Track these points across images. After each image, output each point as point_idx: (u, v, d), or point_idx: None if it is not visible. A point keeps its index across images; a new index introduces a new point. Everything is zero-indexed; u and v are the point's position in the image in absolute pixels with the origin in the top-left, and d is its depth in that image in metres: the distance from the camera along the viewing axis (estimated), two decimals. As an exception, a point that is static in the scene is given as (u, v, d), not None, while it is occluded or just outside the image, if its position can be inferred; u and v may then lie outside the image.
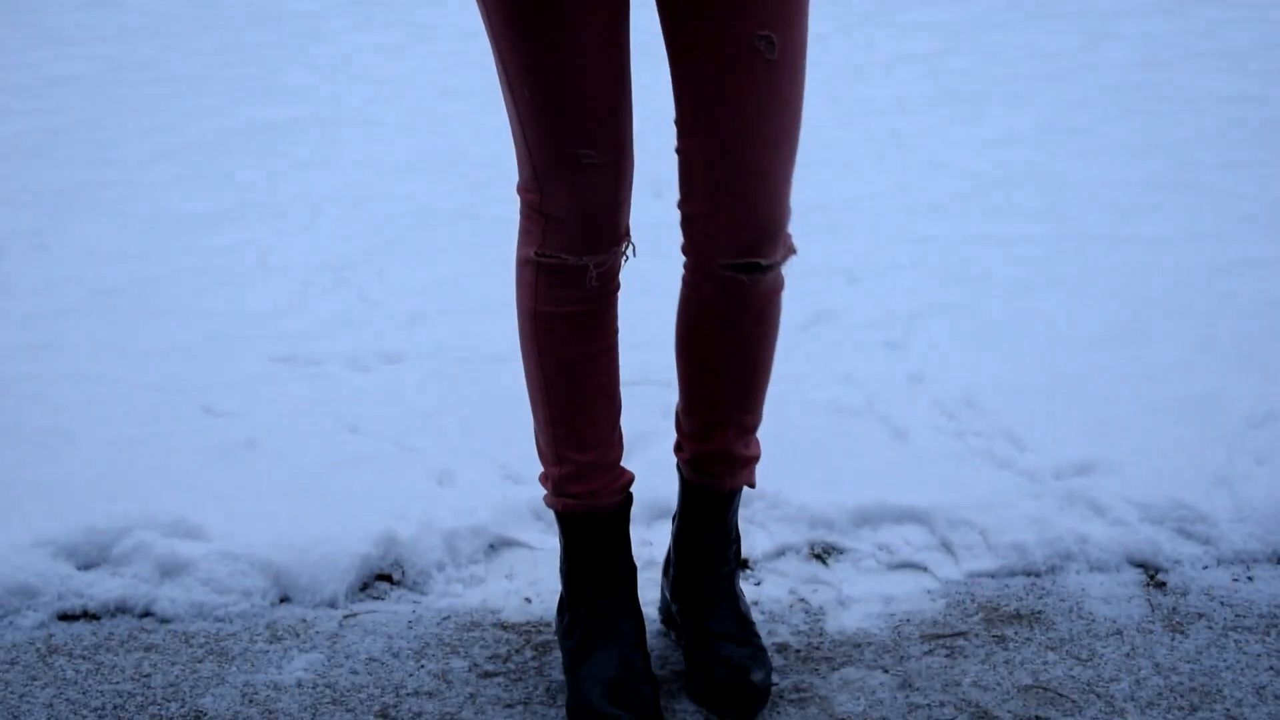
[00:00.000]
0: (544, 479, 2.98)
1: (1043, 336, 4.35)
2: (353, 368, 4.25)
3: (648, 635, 3.03)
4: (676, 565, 3.07)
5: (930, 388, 4.04)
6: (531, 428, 2.98)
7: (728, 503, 3.04)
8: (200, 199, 5.59)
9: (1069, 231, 5.16)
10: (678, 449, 3.06)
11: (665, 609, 3.14)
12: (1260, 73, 7.01)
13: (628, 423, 3.82)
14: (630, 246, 2.86)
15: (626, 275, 4.75)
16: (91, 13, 8.18)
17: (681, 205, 2.85)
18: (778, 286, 2.91)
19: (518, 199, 2.85)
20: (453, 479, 3.62)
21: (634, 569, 2.98)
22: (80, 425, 3.87)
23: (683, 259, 2.91)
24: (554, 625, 3.04)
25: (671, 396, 3.98)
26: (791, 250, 2.88)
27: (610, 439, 2.95)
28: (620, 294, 4.69)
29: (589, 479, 2.93)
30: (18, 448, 3.76)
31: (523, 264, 2.86)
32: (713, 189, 2.78)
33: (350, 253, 5.05)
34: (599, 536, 2.95)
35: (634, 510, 3.53)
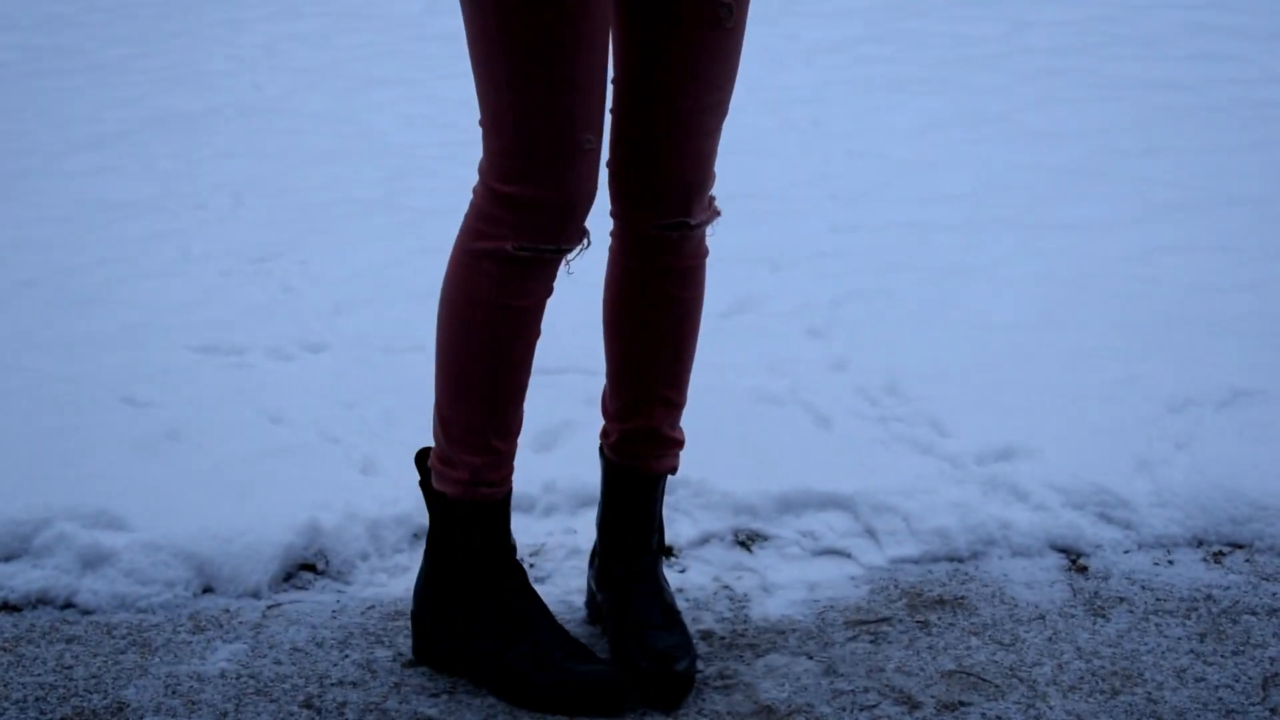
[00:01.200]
0: (450, 469, 2.92)
1: (964, 323, 4.37)
2: (275, 357, 4.23)
3: (574, 626, 3.03)
4: (601, 554, 3.07)
5: (853, 375, 4.06)
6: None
7: (653, 487, 3.05)
8: (121, 188, 5.56)
9: (990, 218, 5.19)
10: (604, 435, 3.06)
11: (590, 600, 3.14)
12: (1179, 59, 7.06)
13: (553, 411, 3.83)
14: (587, 236, 2.85)
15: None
16: (9, 3, 8.12)
17: (613, 165, 2.87)
18: (703, 252, 2.95)
19: (476, 190, 2.81)
20: (376, 468, 3.61)
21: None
22: None
23: (609, 230, 2.92)
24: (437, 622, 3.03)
25: (595, 385, 3.98)
26: (716, 212, 2.93)
27: (519, 428, 2.96)
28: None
29: (504, 465, 2.92)
30: (-64, 439, 3.73)
31: (479, 257, 2.79)
32: (651, 150, 2.82)
33: (272, 242, 5.03)
34: (503, 520, 2.95)
35: (559, 499, 3.54)
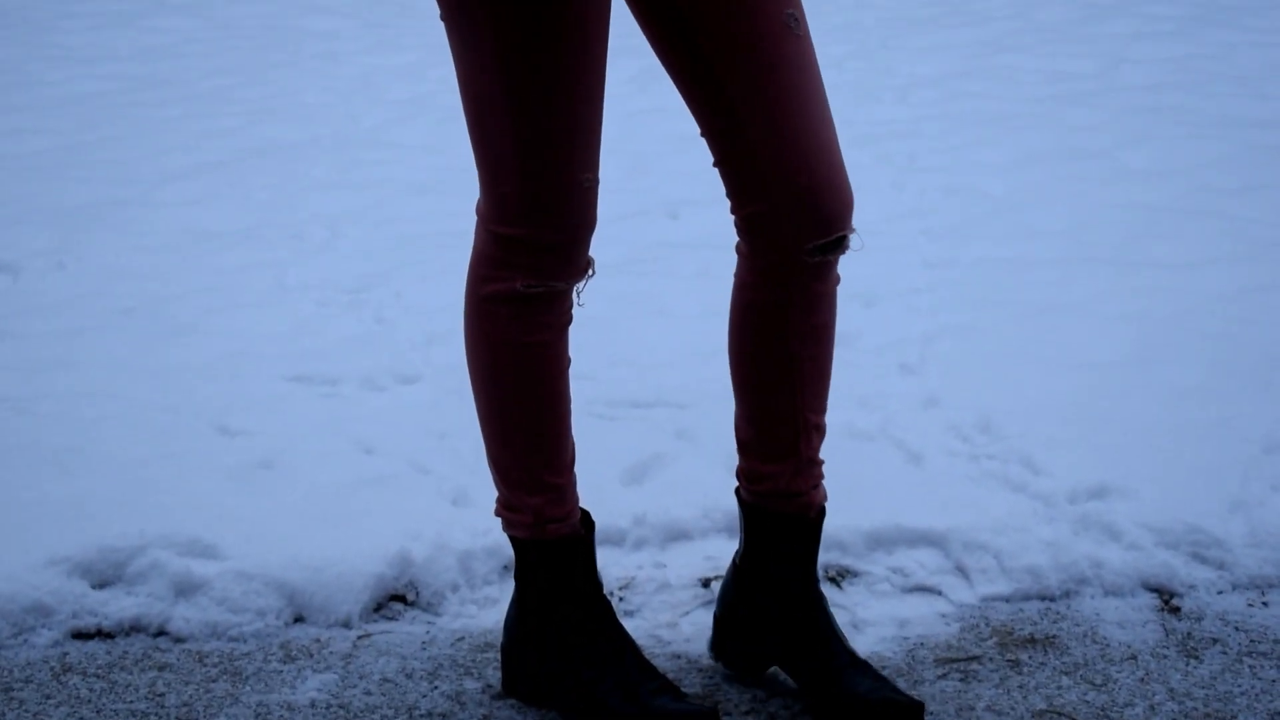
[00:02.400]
0: (514, 513, 2.93)
1: (1058, 360, 4.35)
2: (368, 388, 4.26)
3: (663, 661, 3.03)
4: (774, 606, 2.99)
5: (945, 411, 4.04)
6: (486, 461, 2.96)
7: (820, 519, 2.99)
8: (218, 218, 5.61)
9: (1085, 255, 5.16)
10: (753, 479, 2.98)
11: (718, 642, 3.08)
12: (1275, 96, 7.01)
13: (643, 444, 3.83)
14: (592, 265, 2.85)
15: (639, 297, 4.76)
16: (110, 33, 8.21)
17: (745, 208, 2.80)
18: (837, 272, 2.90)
19: (478, 233, 2.81)
20: (467, 499, 3.62)
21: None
22: (96, 444, 3.88)
23: (741, 265, 2.87)
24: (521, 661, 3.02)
25: (684, 419, 4.00)
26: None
27: (573, 459, 2.95)
28: (634, 316, 4.71)
29: (566, 500, 2.92)
30: (34, 466, 3.77)
31: (490, 300, 2.80)
32: (790, 174, 2.73)
33: (367, 273, 5.06)
34: (582, 554, 2.94)
35: (649, 532, 3.54)
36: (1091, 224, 5.46)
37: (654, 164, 5.99)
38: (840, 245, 2.80)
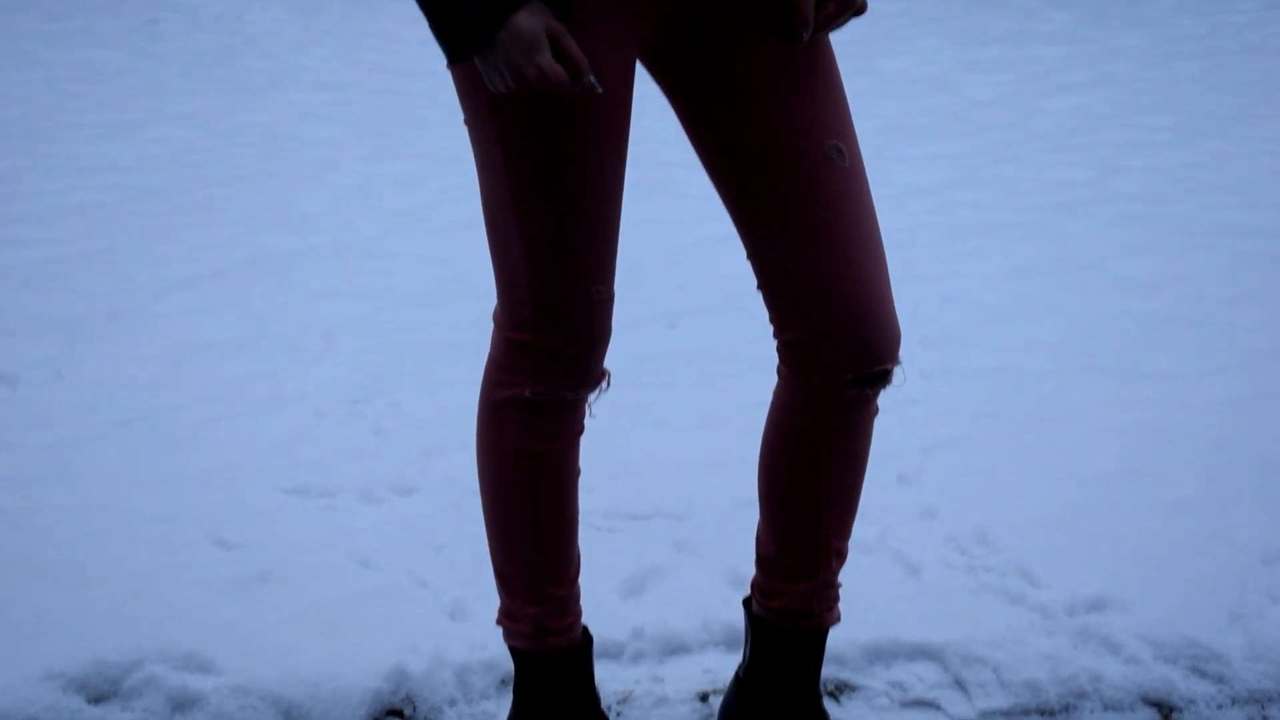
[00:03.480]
0: (515, 622, 2.93)
1: (1056, 471, 4.35)
2: (366, 500, 4.26)
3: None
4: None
5: (943, 523, 4.04)
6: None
7: (824, 639, 2.99)
8: (215, 328, 5.61)
9: (1082, 365, 5.17)
10: (765, 594, 2.98)
11: None
12: (1269, 206, 7.04)
13: (641, 556, 3.83)
14: (607, 377, 2.85)
15: (638, 407, 4.77)
16: (110, 143, 8.25)
17: (785, 334, 2.78)
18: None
19: (493, 339, 2.83)
20: (465, 613, 3.61)
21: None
22: (93, 557, 3.87)
23: (780, 387, 2.86)
24: None
25: (683, 530, 3.99)
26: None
27: (577, 570, 2.95)
28: (633, 426, 4.71)
29: (568, 612, 2.92)
30: (30, 579, 3.76)
31: (501, 405, 2.81)
32: (828, 304, 2.71)
33: (364, 383, 5.07)
34: (579, 668, 2.93)
35: (647, 645, 3.52)
36: (1088, 334, 5.48)
37: (654, 274, 6.00)
38: (882, 379, 2.78)
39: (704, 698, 3.36)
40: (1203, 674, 3.41)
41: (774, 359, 2.83)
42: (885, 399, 4.87)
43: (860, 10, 2.72)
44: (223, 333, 5.57)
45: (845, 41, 9.91)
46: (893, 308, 2.75)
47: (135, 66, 9.54)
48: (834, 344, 2.73)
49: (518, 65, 2.46)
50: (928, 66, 9.83)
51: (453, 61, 2.56)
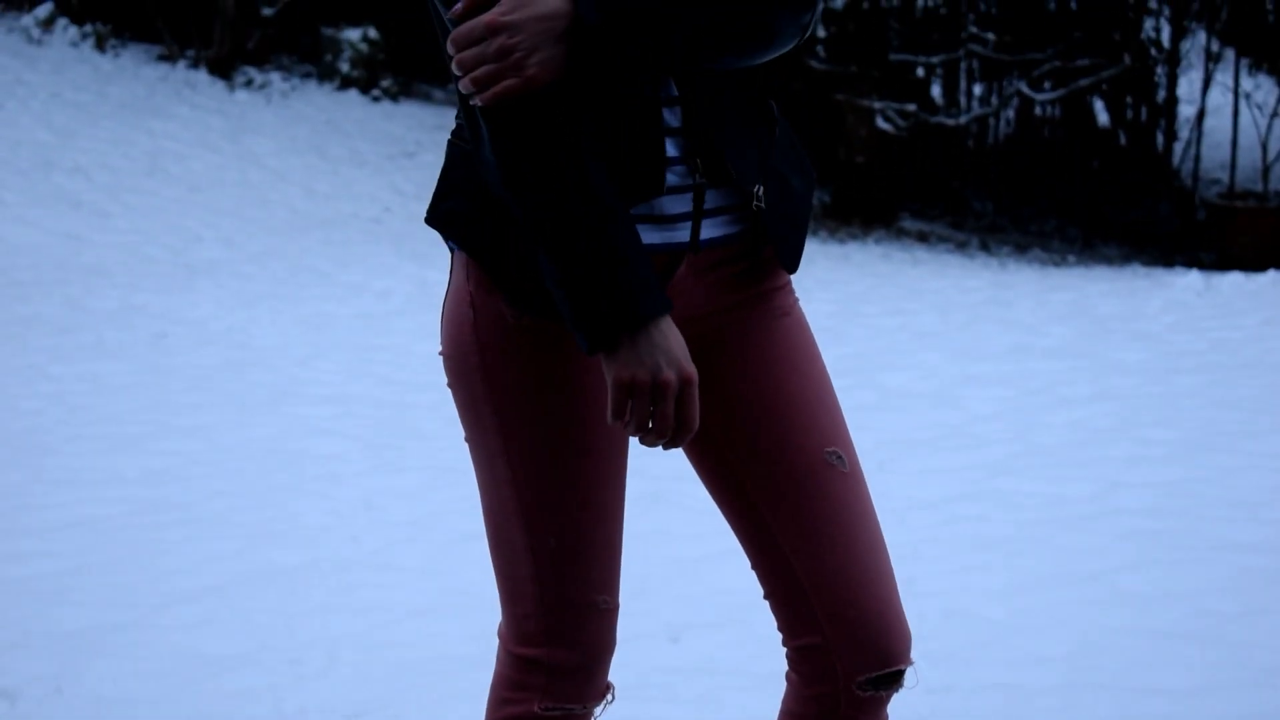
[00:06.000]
0: None
1: (1063, 790, 4.31)
2: (365, 818, 4.21)
3: None
4: None
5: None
6: None
7: None
8: (217, 642, 5.59)
9: (1087, 681, 5.14)
10: None
11: None
12: (1273, 521, 7.05)
13: None
14: (611, 690, 2.85)
15: (643, 724, 4.72)
16: (116, 456, 8.27)
17: (796, 640, 2.78)
18: None
19: (499, 655, 2.82)
20: None
21: None
22: None
23: (789, 693, 2.84)
24: None
25: None
26: None
27: None
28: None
29: None
30: None
31: None
32: (839, 609, 2.73)
33: (366, 699, 5.04)
34: None
35: None
36: (1092, 649, 5.45)
37: (656, 587, 5.99)
38: (896, 680, 2.78)
39: None
40: None
41: (778, 674, 2.83)
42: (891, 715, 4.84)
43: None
44: (224, 647, 5.55)
45: (847, 356, 10.04)
46: (901, 608, 2.78)
47: (142, 380, 9.62)
48: (846, 647, 2.74)
49: (658, 365, 2.51)
50: (929, 380, 9.90)
51: (594, 350, 2.56)
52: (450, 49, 2.54)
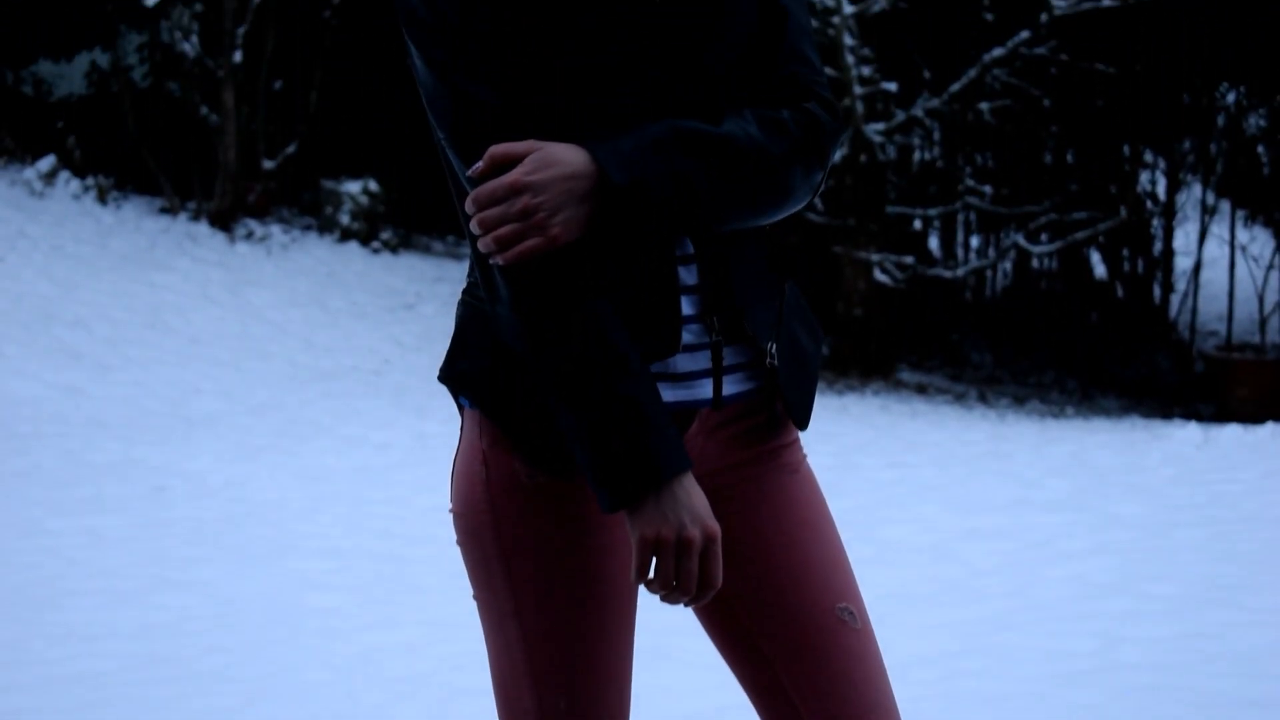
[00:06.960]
0: None
1: None
2: None
3: None
4: None
5: None
6: None
7: None
8: (212, 802, 5.56)
9: (1089, 841, 5.10)
10: None
11: None
12: (1273, 677, 7.01)
13: None
14: None
15: None
16: (112, 611, 8.25)
17: None
18: None
19: None
20: None
21: None
22: None
23: None
24: None
25: None
26: None
27: None
28: None
29: None
30: None
31: None
32: None
33: None
34: None
35: None
36: (1095, 808, 5.42)
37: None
38: None
39: None
40: None
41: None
42: None
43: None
44: (220, 806, 5.51)
45: (847, 509, 10.01)
46: None
47: (140, 534, 9.61)
48: None
49: (682, 522, 2.51)
50: (928, 534, 9.89)
51: (616, 507, 2.56)
52: (470, 208, 2.56)
